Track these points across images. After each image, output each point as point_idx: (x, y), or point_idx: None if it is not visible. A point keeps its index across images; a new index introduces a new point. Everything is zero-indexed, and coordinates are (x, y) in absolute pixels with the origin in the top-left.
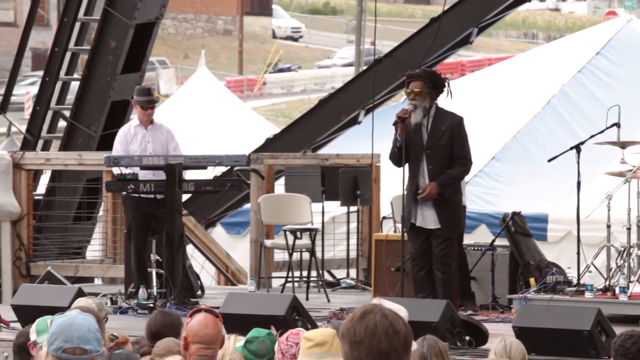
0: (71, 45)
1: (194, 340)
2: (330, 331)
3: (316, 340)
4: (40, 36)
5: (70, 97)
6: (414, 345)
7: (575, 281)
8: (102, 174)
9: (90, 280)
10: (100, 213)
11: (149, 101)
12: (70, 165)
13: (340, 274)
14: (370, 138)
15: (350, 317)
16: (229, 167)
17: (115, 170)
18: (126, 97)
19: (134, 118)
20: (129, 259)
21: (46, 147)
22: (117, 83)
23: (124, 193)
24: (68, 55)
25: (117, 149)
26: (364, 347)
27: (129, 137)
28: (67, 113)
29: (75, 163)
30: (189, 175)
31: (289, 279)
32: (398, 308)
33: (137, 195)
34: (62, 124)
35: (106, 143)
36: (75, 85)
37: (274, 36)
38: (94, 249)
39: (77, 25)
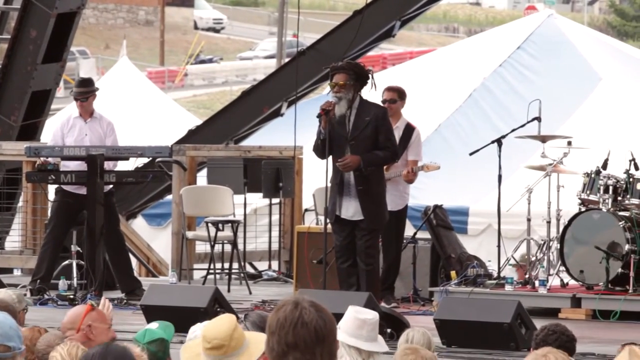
0: None
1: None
2: (226, 331)
3: (213, 343)
4: None
5: None
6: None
7: (495, 274)
8: (22, 164)
9: (9, 271)
10: (20, 204)
11: (80, 93)
12: None
13: (262, 266)
14: (292, 130)
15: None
16: (150, 159)
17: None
18: (47, 87)
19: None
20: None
21: None
22: (38, 73)
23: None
24: None
25: (53, 139)
26: (276, 338)
27: (66, 129)
28: None
29: None
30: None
31: (211, 271)
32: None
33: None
34: None
35: (26, 133)
36: None
37: (196, 27)
38: (13, 240)
39: None
